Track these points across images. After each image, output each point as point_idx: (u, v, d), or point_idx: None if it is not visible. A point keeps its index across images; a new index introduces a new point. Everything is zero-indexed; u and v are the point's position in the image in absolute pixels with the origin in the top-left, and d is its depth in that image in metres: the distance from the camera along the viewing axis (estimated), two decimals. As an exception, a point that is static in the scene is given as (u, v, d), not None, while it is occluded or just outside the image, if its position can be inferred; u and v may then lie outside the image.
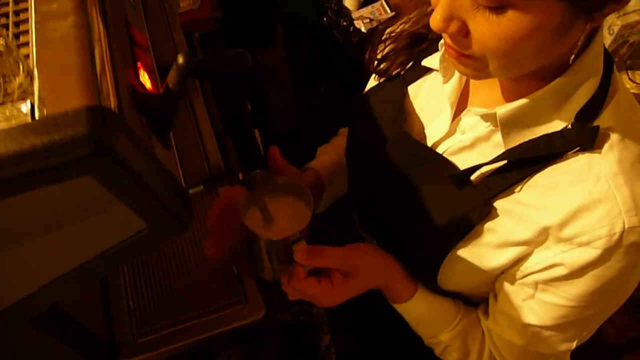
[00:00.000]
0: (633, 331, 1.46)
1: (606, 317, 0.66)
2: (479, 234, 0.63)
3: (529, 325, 0.65)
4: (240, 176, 0.60)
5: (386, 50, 0.78)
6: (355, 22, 1.76)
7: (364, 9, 1.80)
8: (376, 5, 1.81)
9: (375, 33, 0.84)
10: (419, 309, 0.73)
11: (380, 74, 0.79)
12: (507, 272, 0.65)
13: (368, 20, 1.77)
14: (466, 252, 0.64)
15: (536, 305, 0.63)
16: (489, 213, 0.61)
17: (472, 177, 0.63)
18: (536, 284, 0.62)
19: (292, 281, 0.66)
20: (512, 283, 0.65)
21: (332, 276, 0.66)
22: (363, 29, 1.73)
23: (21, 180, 0.37)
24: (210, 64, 0.52)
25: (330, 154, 0.92)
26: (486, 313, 0.73)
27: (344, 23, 1.78)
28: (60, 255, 0.47)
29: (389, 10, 1.79)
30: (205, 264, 0.80)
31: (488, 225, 0.62)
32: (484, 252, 0.63)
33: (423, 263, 0.70)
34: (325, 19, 1.80)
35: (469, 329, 0.73)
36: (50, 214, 0.42)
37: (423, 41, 0.74)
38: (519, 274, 0.63)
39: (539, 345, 0.66)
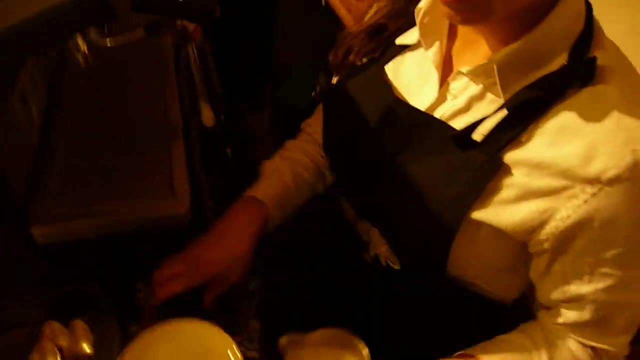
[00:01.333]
0: None
1: None
2: (494, 191, 0.59)
3: (610, 288, 0.60)
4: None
5: (350, 44, 0.77)
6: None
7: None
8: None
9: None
10: None
11: (345, 68, 0.77)
12: (537, 239, 0.59)
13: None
14: (483, 214, 0.60)
15: (606, 268, 0.59)
16: (499, 168, 0.58)
17: (475, 137, 0.60)
18: (592, 255, 0.58)
19: None
20: (563, 267, 0.60)
21: None
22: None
23: None
24: None
25: (276, 183, 0.83)
26: (552, 317, 0.66)
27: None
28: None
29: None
30: (140, 151, 0.80)
31: (502, 181, 0.59)
32: (503, 209, 0.59)
33: (432, 241, 0.64)
34: (313, 93, 1.89)
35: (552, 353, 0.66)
36: None
37: (383, 32, 0.74)
38: (552, 238, 0.58)
39: (632, 294, 0.61)
